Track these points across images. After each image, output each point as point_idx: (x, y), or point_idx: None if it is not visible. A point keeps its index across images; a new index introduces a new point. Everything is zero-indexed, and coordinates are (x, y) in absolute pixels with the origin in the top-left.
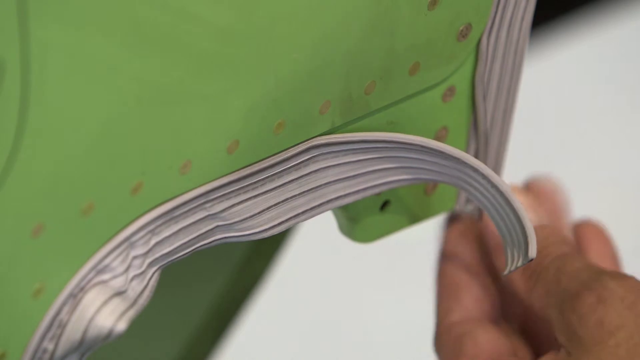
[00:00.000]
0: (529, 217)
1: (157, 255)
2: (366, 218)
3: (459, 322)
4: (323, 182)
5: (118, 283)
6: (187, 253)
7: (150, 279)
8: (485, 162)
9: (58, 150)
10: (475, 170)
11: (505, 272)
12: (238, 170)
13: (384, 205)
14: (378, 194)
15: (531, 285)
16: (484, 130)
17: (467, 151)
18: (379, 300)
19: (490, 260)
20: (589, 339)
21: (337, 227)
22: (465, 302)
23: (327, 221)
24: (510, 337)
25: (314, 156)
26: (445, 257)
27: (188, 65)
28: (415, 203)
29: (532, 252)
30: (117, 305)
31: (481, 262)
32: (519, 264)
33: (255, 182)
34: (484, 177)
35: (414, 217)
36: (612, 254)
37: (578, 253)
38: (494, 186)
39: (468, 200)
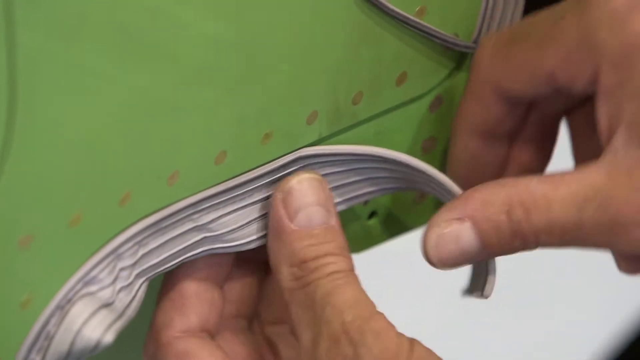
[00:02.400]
0: None
1: (145, 266)
2: (353, 229)
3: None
4: None
5: (106, 294)
6: (174, 264)
7: (138, 290)
8: None
9: (46, 161)
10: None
11: (463, 293)
12: (226, 181)
13: (371, 215)
14: (364, 204)
15: (295, 293)
16: None
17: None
18: None
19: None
20: None
21: None
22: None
23: None
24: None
25: (301, 167)
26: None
27: (177, 75)
28: (403, 213)
29: (488, 292)
30: (105, 316)
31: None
32: (475, 295)
33: (243, 193)
34: None
35: (402, 228)
36: None
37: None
38: None
39: None
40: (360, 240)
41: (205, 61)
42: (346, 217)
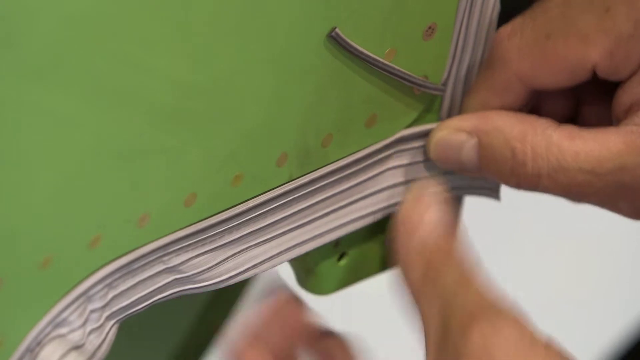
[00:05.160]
0: None
1: (115, 308)
2: (323, 270)
3: None
4: (279, 232)
5: (76, 337)
6: (144, 306)
7: (108, 332)
8: None
9: (15, 205)
10: None
11: None
12: (196, 223)
13: (342, 257)
14: (336, 245)
15: (428, 282)
16: None
17: None
18: None
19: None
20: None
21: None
22: None
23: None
24: None
25: (271, 208)
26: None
27: (146, 119)
28: (374, 255)
29: None
30: (75, 359)
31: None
32: None
33: (213, 235)
34: None
35: (373, 269)
36: None
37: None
38: None
39: None
40: (330, 282)
41: (173, 105)
42: (316, 258)
